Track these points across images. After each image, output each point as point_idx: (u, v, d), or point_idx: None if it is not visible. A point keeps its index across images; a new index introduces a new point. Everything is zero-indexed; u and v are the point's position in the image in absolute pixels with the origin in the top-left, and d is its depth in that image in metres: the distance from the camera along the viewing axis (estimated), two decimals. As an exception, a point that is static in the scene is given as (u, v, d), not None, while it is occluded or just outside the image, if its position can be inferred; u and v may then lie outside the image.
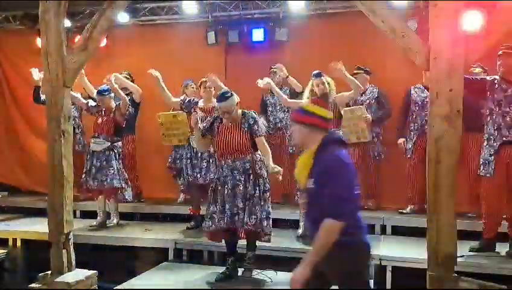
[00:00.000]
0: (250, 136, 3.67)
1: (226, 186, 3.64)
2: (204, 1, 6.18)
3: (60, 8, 3.73)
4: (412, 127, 5.28)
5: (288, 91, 5.88)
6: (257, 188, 3.64)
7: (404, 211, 5.28)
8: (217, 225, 3.66)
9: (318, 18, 6.09)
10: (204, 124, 3.84)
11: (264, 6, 6.12)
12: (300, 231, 4.75)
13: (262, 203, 3.63)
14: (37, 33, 4.73)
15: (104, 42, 6.10)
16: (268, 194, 3.70)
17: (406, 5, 5.47)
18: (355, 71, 5.47)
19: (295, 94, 5.76)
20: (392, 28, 3.16)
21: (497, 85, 4.05)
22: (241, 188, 3.61)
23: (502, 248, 4.14)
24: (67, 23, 5.31)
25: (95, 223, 5.29)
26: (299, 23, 6.08)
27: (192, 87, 5.84)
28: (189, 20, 6.46)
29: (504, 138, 3.99)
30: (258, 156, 3.73)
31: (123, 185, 5.26)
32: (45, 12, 3.73)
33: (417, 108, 5.24)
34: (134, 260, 5.00)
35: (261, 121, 3.78)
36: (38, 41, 5.59)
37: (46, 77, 3.77)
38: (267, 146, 3.74)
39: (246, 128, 3.68)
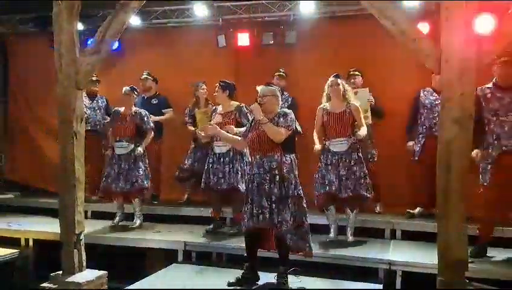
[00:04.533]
0: None
1: (254, 183, 3.60)
2: (215, 4, 6.21)
3: (73, 11, 3.78)
4: (421, 130, 5.25)
5: (290, 99, 5.85)
6: (280, 191, 3.54)
7: (411, 211, 5.24)
8: (245, 224, 3.61)
9: (328, 21, 6.09)
10: (244, 129, 3.89)
11: (274, 10, 6.13)
12: (332, 235, 4.72)
13: (280, 207, 3.51)
14: (50, 36, 4.80)
15: (116, 45, 6.17)
16: (290, 200, 3.53)
17: (417, 8, 5.44)
18: (351, 73, 5.49)
19: (295, 106, 5.75)
20: (403, 30, 3.15)
21: (490, 94, 4.01)
22: (265, 187, 3.54)
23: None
24: (80, 26, 5.35)
25: (114, 222, 5.38)
26: (309, 26, 6.08)
27: (203, 89, 5.90)
28: (200, 23, 6.51)
29: (504, 147, 3.97)
30: (288, 158, 3.62)
31: (149, 184, 5.35)
32: (58, 15, 3.78)
33: (426, 111, 5.21)
34: (143, 261, 5.03)
35: (291, 118, 3.62)
36: (52, 44, 5.65)
37: (59, 79, 3.82)
38: (281, 131, 3.54)
39: (275, 124, 3.59)
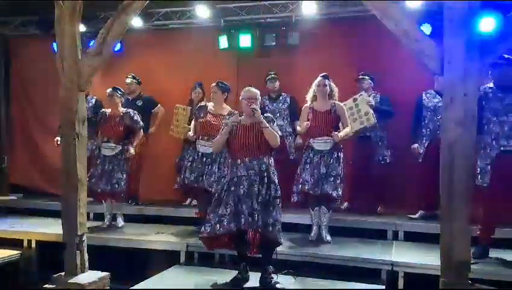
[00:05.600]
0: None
1: (242, 186, 3.61)
2: (217, 5, 6.22)
3: (75, 13, 3.79)
4: (424, 132, 5.24)
5: (288, 99, 5.90)
6: (268, 192, 3.62)
7: (413, 216, 5.24)
8: (225, 227, 3.58)
9: (330, 22, 6.09)
10: (223, 130, 3.84)
11: (276, 11, 6.13)
12: (313, 234, 4.75)
13: (271, 209, 3.59)
14: (52, 38, 4.85)
15: (118, 46, 6.19)
16: (278, 201, 3.66)
17: (419, 8, 5.43)
18: (360, 77, 5.53)
19: (295, 104, 5.83)
20: (405, 31, 3.14)
21: (491, 94, 4.02)
22: (255, 189, 3.58)
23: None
24: (82, 28, 5.37)
25: (102, 224, 5.40)
26: (311, 28, 6.08)
27: (195, 92, 5.93)
28: (201, 24, 6.51)
29: (502, 148, 3.97)
30: (272, 161, 3.75)
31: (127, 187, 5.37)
32: (60, 17, 3.79)
33: (429, 113, 5.20)
34: (146, 262, 5.03)
35: (276, 124, 3.83)
36: (54, 46, 5.68)
37: (61, 81, 3.83)
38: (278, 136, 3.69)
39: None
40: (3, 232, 5.47)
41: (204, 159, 4.88)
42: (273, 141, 3.66)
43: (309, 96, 4.74)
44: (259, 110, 3.69)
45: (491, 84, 4.10)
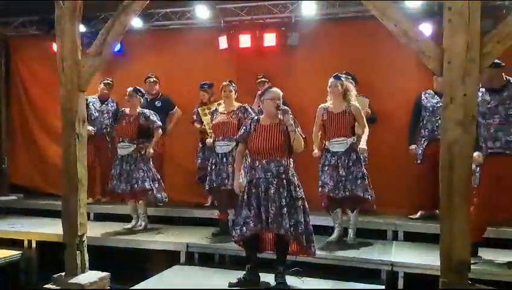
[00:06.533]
0: (287, 138, 3.59)
1: (260, 188, 3.57)
2: (217, 6, 6.22)
3: (75, 13, 3.79)
4: (423, 133, 5.24)
5: None
6: (288, 194, 3.56)
7: (413, 217, 5.24)
8: (252, 229, 3.55)
9: (330, 23, 6.10)
10: (242, 132, 3.77)
11: (275, 11, 6.14)
12: (334, 236, 4.71)
13: (291, 211, 3.53)
14: (53, 38, 4.84)
15: (118, 47, 6.20)
16: (300, 202, 3.57)
17: (420, 9, 5.44)
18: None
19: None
20: (405, 31, 3.14)
21: (480, 98, 4.02)
22: (272, 192, 3.54)
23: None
24: (82, 28, 5.36)
25: (129, 225, 5.35)
26: (311, 28, 6.09)
27: (205, 94, 5.94)
28: (201, 25, 6.52)
29: (490, 150, 3.99)
30: (291, 161, 3.66)
31: (155, 186, 5.25)
32: (61, 17, 3.79)
33: (428, 114, 5.20)
34: (146, 262, 5.03)
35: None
36: (54, 46, 5.68)
37: (62, 81, 3.83)
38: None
39: (284, 128, 3.60)
40: (3, 232, 5.48)
41: (224, 159, 4.85)
42: (299, 145, 3.57)
43: (328, 96, 4.68)
44: (289, 112, 3.58)
45: (482, 89, 4.09)
